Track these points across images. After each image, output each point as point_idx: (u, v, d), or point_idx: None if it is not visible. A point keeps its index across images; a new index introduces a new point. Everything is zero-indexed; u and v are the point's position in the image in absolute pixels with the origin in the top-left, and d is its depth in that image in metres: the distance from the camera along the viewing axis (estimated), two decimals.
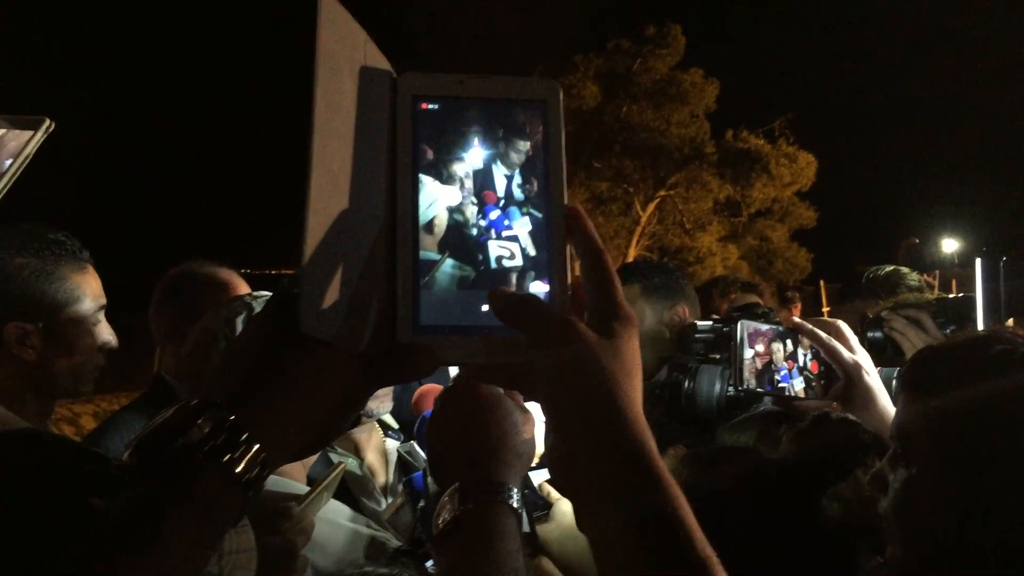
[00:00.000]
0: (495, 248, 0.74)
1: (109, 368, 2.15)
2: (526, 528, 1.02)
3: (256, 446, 0.65)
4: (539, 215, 0.75)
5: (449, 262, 0.73)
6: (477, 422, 1.01)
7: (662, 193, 27.99)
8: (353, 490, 2.03)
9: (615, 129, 27.24)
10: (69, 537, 0.62)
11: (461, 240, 0.74)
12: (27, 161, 1.57)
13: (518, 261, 0.74)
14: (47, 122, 1.60)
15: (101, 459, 0.86)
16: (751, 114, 28.16)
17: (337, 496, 1.56)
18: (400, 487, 2.05)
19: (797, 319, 1.67)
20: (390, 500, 2.14)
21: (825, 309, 16.50)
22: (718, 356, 2.01)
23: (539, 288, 0.74)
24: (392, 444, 2.43)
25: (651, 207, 28.01)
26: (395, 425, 2.55)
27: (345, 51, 0.71)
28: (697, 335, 2.05)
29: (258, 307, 1.63)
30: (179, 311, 2.51)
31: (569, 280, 0.75)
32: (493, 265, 0.74)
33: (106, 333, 2.06)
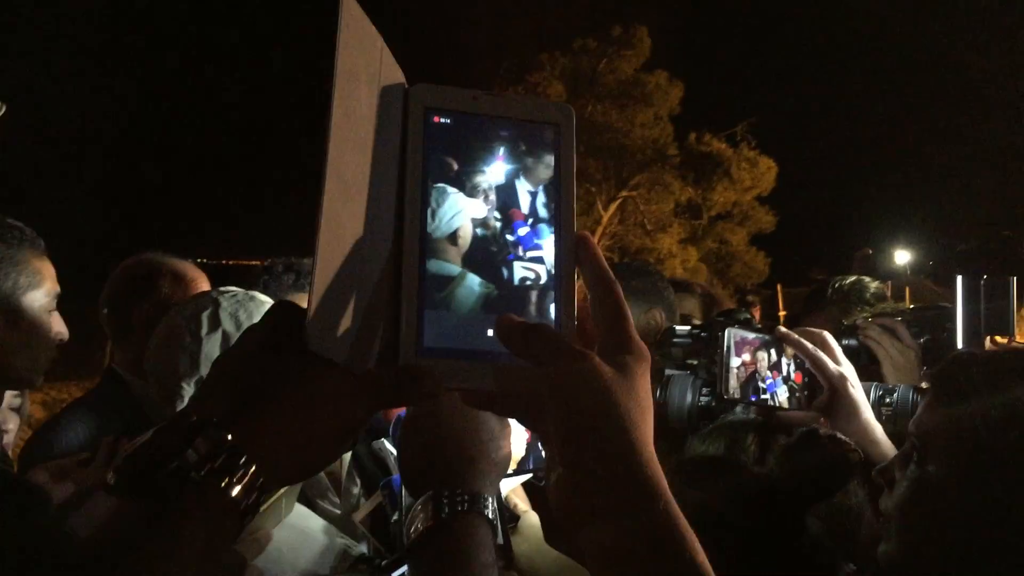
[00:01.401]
0: (520, 267, 0.70)
1: (59, 356, 2.07)
2: (499, 540, 0.98)
3: (253, 468, 0.60)
4: (561, 236, 0.72)
5: (472, 277, 0.69)
6: (453, 429, 0.97)
7: (624, 194, 28.13)
8: (307, 490, 1.95)
9: (579, 128, 27.17)
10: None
11: (485, 255, 0.69)
12: None
13: (542, 282, 0.70)
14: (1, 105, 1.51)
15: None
16: (714, 118, 28.42)
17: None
18: (355, 488, 1.97)
19: (783, 328, 1.63)
20: (341, 500, 2.06)
21: (781, 313, 16.73)
22: (695, 362, 1.97)
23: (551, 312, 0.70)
24: None
25: (613, 207, 28.13)
26: None
27: (363, 57, 0.67)
28: (675, 340, 2.00)
29: (225, 303, 1.59)
30: (139, 303, 2.43)
31: (576, 309, 0.71)
32: (516, 284, 0.70)
33: (59, 324, 1.97)
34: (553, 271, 0.71)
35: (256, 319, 1.59)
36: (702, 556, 0.62)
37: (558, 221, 0.72)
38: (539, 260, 0.71)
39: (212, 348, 1.55)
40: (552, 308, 0.70)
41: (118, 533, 0.57)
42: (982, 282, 1.96)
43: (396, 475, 1.49)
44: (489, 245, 0.70)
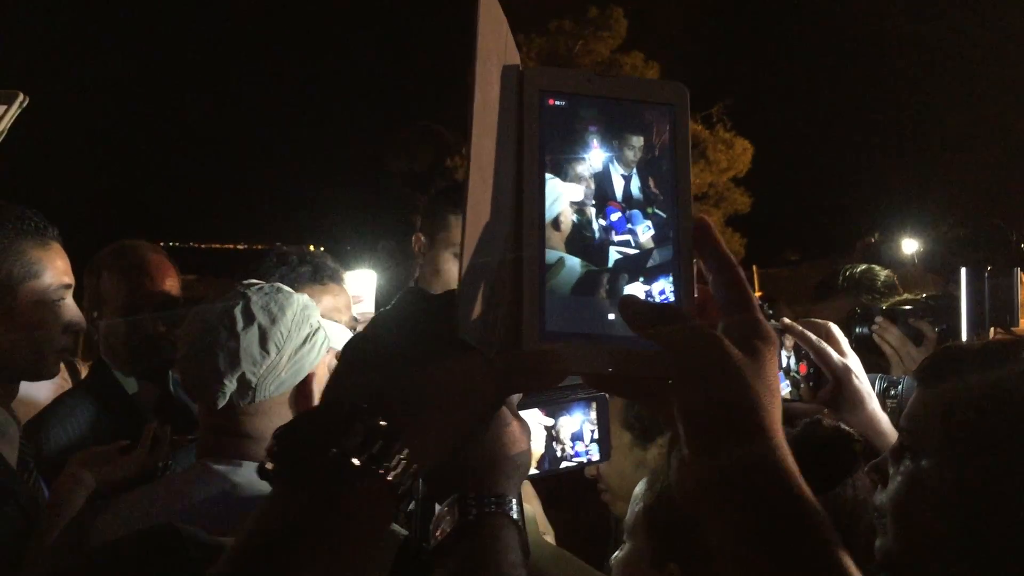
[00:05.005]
0: (617, 251, 0.70)
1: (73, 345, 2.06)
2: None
3: (407, 453, 0.61)
4: (662, 220, 0.71)
5: (575, 260, 0.69)
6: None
7: None
8: None
9: None
10: None
11: (584, 240, 0.70)
12: (1, 136, 1.48)
13: (661, 265, 0.70)
14: (20, 96, 1.48)
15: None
16: (690, 99, 28.46)
17: None
18: None
19: (787, 320, 1.61)
20: None
21: (758, 294, 16.87)
22: None
23: (664, 295, 0.70)
24: None
25: None
26: None
27: (495, 40, 0.68)
28: None
29: (255, 297, 1.57)
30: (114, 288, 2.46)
31: (696, 292, 0.71)
32: (636, 268, 0.70)
33: (71, 313, 1.93)
34: (672, 254, 0.70)
35: (287, 311, 1.59)
36: (840, 547, 0.62)
37: (677, 204, 0.71)
38: (659, 243, 0.71)
39: (250, 343, 1.53)
40: (672, 291, 0.70)
41: (279, 519, 0.58)
42: (986, 273, 1.95)
43: None
44: (609, 230, 0.70)
